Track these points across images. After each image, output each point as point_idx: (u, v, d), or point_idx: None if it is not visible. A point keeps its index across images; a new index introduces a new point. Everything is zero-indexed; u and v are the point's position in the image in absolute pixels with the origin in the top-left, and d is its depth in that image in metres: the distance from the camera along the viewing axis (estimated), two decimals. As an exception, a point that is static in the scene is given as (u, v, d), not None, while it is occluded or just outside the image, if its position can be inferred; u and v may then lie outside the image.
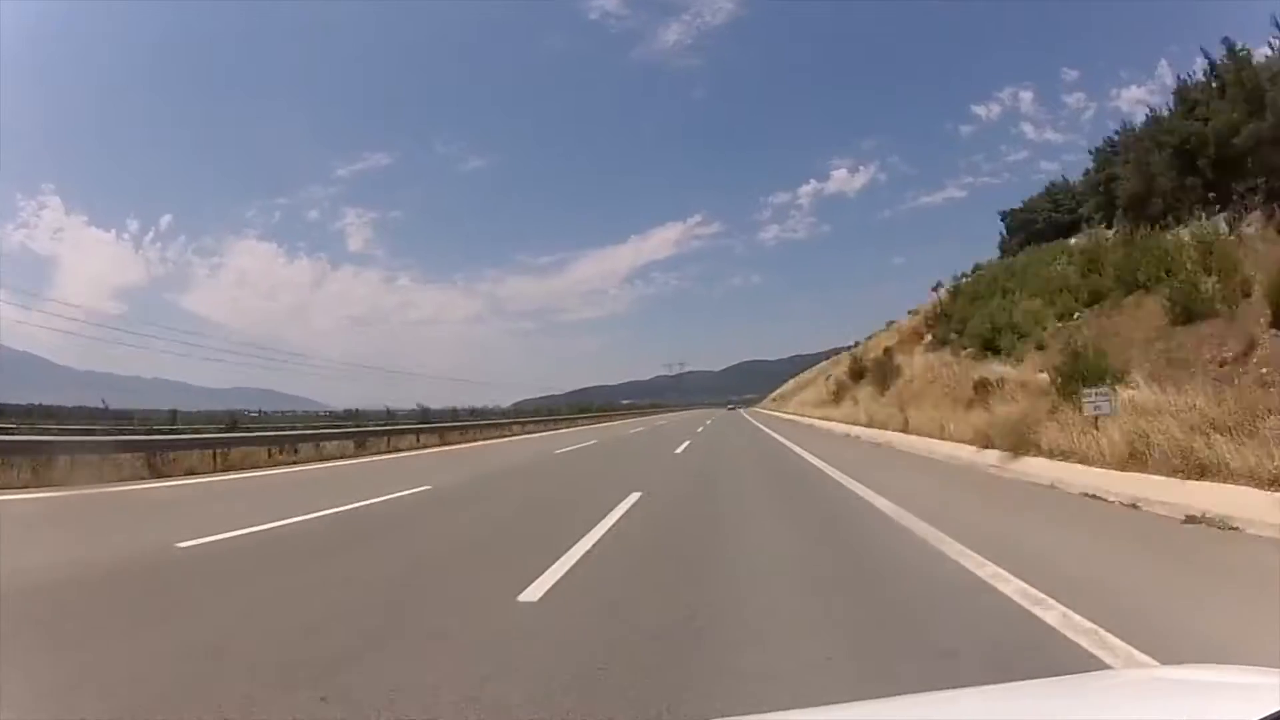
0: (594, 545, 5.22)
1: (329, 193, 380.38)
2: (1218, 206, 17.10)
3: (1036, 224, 32.89)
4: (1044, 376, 11.71)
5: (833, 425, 24.30)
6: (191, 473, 11.73)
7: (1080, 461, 7.68)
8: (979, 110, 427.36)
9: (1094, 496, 6.63)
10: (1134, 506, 6.02)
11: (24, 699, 2.59)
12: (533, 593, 3.90)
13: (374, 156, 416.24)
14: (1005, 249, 34.40)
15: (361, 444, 18.06)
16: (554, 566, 4.46)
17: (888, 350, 30.12)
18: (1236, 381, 7.90)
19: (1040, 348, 15.19)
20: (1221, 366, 8.72)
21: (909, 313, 35.13)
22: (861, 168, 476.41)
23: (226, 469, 12.54)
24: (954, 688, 1.95)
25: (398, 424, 22.90)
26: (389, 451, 18.32)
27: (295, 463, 14.55)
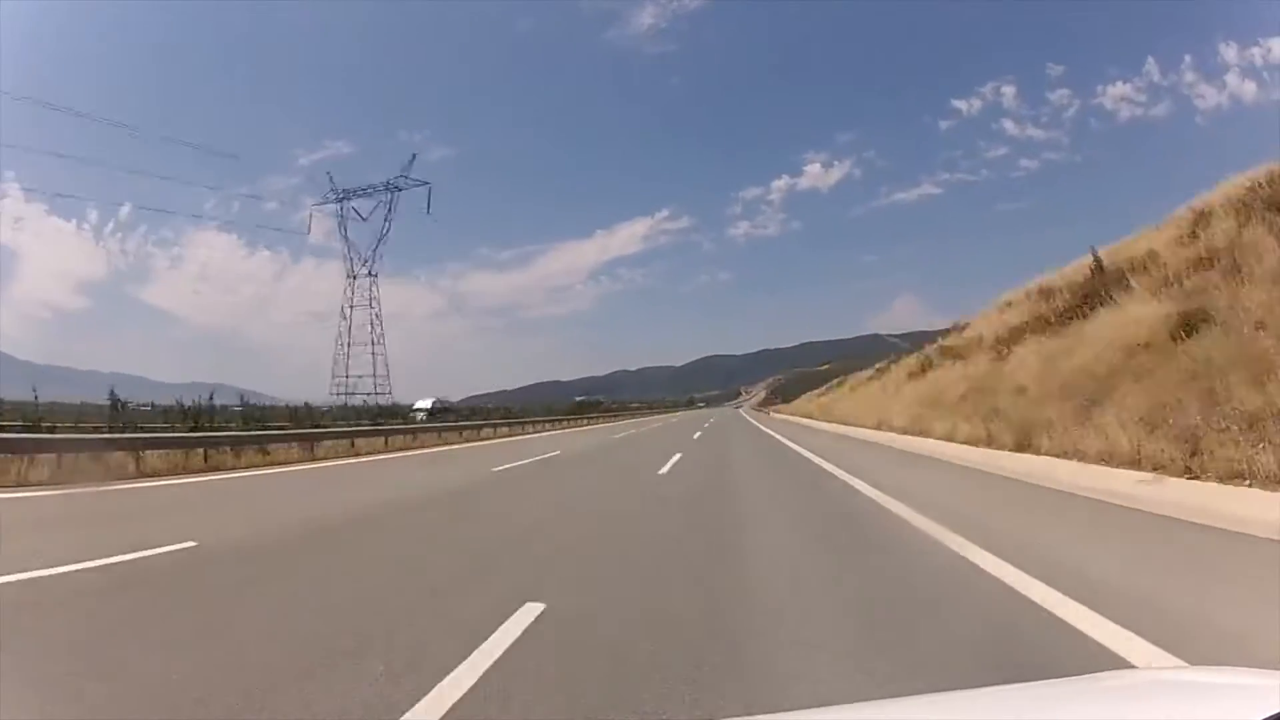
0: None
1: (290, 183, 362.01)
2: None
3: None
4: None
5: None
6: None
7: None
8: (959, 104, 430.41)
9: None
10: None
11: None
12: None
13: (335, 144, 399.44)
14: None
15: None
16: None
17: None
18: None
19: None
20: None
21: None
22: (836, 162, 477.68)
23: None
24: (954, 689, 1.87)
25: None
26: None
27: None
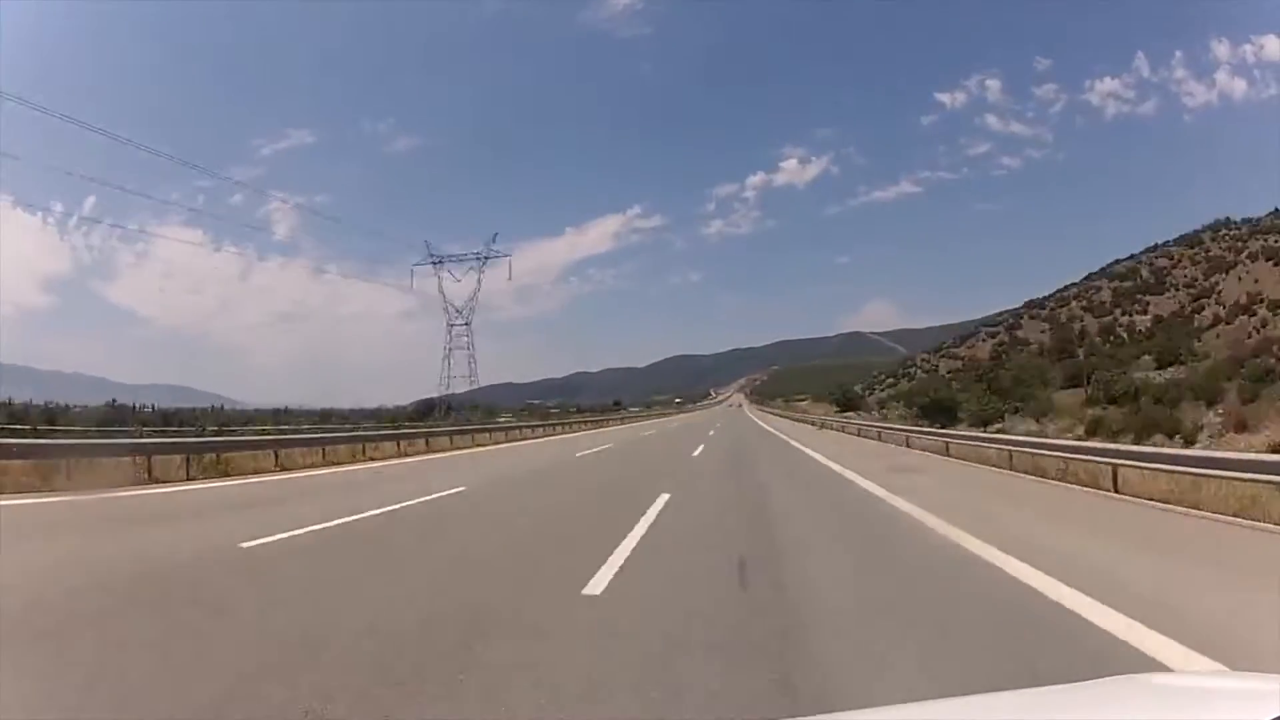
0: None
1: (253, 175, 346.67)
2: None
3: None
4: None
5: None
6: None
7: None
8: (943, 98, 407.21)
9: None
10: None
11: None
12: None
13: (298, 133, 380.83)
14: None
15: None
16: None
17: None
18: None
19: None
20: None
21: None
22: (815, 158, 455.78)
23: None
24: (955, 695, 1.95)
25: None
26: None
27: None
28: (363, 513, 7.41)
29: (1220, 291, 71.38)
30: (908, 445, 19.27)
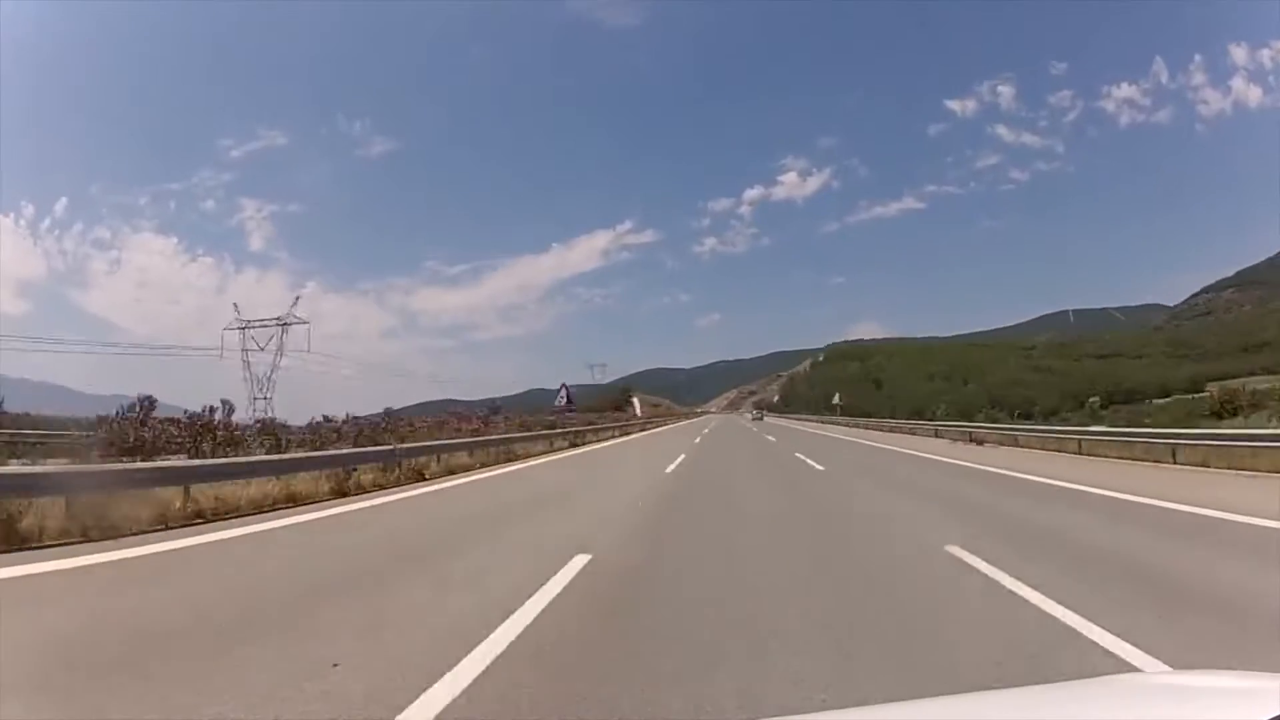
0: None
1: (223, 179, 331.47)
2: None
3: None
4: None
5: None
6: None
7: None
8: (954, 105, 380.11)
9: None
10: None
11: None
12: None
13: (269, 134, 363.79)
14: None
15: None
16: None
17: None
18: None
19: None
20: None
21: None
22: (815, 170, 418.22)
23: None
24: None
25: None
26: None
27: None
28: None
29: None
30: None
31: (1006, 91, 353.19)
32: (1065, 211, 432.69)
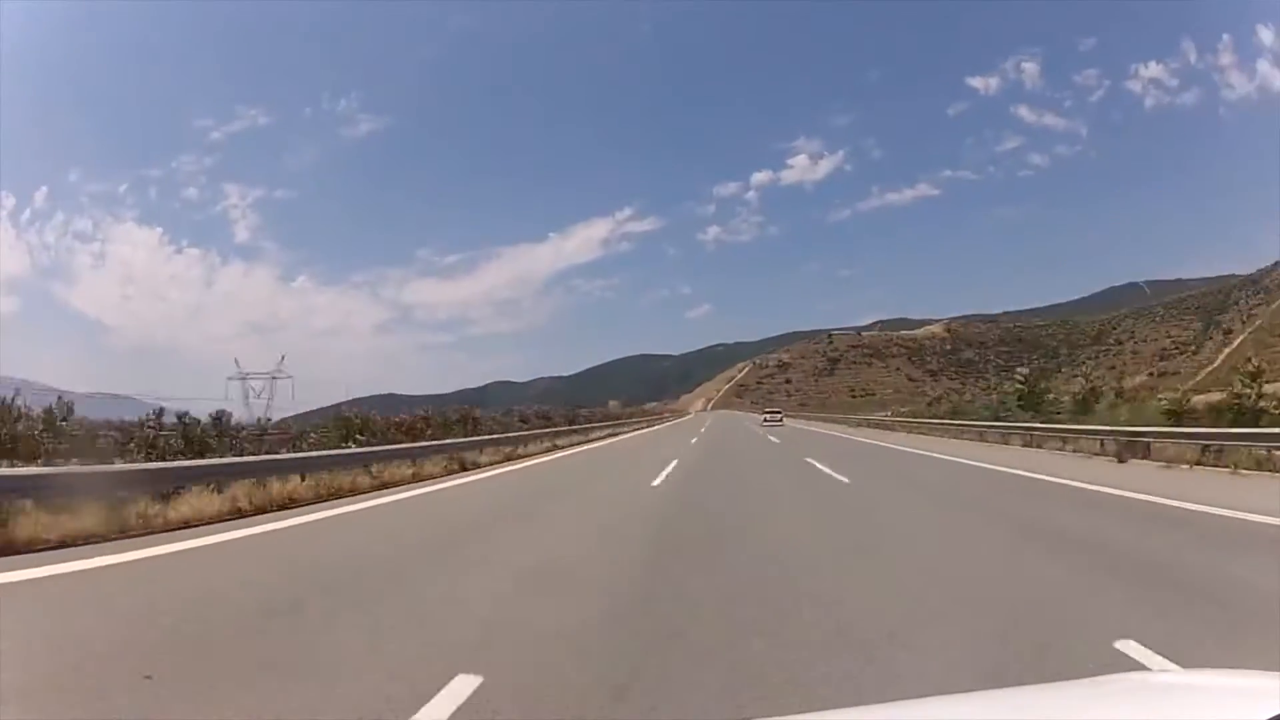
0: None
1: (204, 163, 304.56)
2: None
3: None
4: None
5: None
6: None
7: None
8: (976, 83, 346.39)
9: None
10: None
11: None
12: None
13: (250, 113, 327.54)
14: None
15: None
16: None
17: None
18: None
19: None
20: None
21: None
22: (827, 153, 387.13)
23: None
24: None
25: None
26: None
27: None
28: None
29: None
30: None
31: (1031, 69, 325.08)
32: (1084, 196, 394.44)
